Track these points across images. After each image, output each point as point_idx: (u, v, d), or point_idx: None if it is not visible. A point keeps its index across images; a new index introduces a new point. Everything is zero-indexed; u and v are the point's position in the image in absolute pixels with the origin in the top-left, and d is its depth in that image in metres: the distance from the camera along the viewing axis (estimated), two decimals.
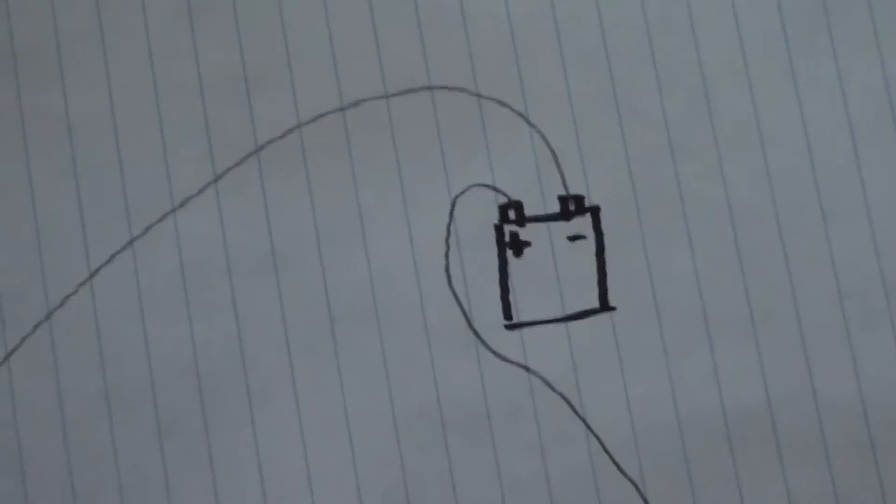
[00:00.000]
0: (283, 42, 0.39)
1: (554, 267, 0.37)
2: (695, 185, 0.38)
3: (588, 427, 0.36)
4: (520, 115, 0.38)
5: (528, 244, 0.37)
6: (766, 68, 0.39)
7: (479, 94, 0.38)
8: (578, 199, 0.37)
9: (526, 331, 0.37)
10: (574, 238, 0.37)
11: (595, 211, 0.37)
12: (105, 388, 0.36)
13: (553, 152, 0.38)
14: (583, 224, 0.37)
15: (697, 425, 0.37)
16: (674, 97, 0.38)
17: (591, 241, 0.37)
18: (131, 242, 0.37)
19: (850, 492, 0.36)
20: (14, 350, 0.36)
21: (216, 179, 0.37)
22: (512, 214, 0.37)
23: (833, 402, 0.37)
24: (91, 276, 0.37)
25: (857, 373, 0.37)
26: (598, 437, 0.36)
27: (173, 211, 0.37)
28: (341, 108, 0.37)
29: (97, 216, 0.37)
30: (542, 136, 0.38)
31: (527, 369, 0.37)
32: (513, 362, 0.37)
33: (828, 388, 0.37)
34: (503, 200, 0.37)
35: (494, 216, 0.37)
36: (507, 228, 0.37)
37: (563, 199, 0.37)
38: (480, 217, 0.37)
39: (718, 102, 0.39)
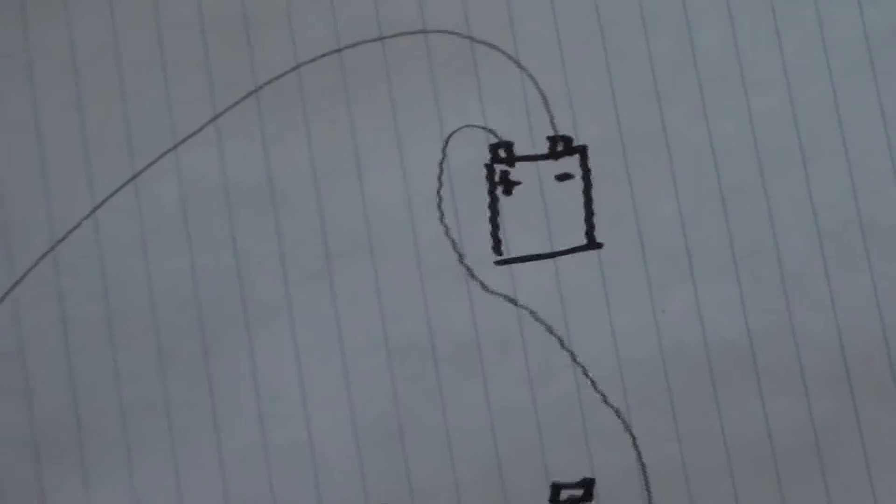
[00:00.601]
0: None
1: (543, 205, 0.37)
2: (679, 127, 0.38)
3: (574, 359, 0.36)
4: (510, 58, 0.38)
5: (517, 183, 0.37)
6: (750, 13, 0.39)
7: (471, 38, 0.38)
8: (567, 139, 0.37)
9: (515, 266, 0.37)
10: (562, 177, 0.37)
11: (583, 151, 0.37)
12: (108, 317, 0.36)
13: (543, 94, 0.37)
14: (571, 164, 0.37)
15: (680, 358, 0.37)
16: (659, 41, 0.38)
17: (578, 181, 0.37)
18: (134, 177, 0.36)
19: (826, 422, 0.36)
20: (19, 281, 0.36)
21: (216, 117, 0.37)
22: (502, 154, 0.37)
23: (811, 336, 0.37)
24: (95, 209, 0.36)
25: (834, 308, 0.37)
26: (584, 369, 0.36)
27: (175, 147, 0.37)
28: (338, 50, 0.37)
29: (101, 151, 0.37)
30: (532, 79, 0.37)
31: (516, 303, 0.37)
32: (502, 296, 0.37)
33: (806, 322, 0.37)
34: (494, 140, 0.37)
35: (486, 156, 0.37)
36: (498, 167, 0.37)
37: (552, 140, 0.37)
38: (472, 156, 0.37)
39: (702, 46, 0.38)
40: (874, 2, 0.39)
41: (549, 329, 0.36)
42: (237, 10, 0.38)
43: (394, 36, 0.38)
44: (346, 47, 0.37)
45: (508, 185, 0.37)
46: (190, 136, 0.37)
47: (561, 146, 0.37)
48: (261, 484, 0.35)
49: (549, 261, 0.37)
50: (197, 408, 0.36)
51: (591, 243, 0.37)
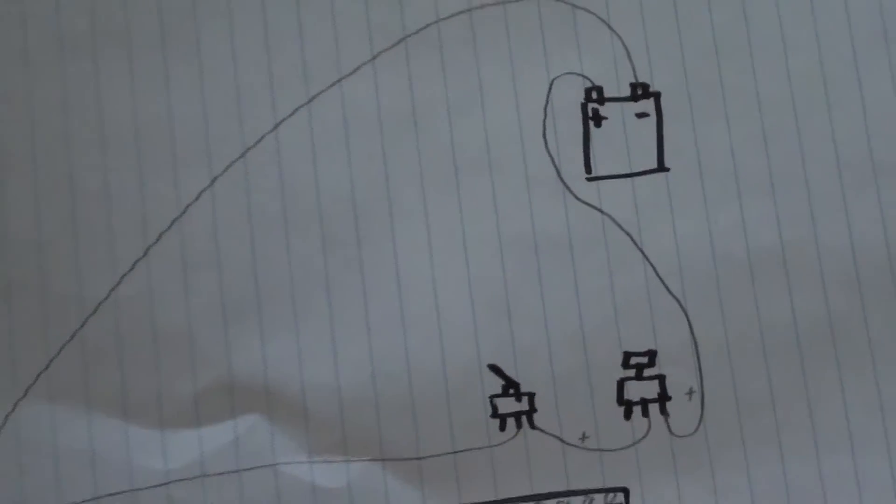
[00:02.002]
0: None
1: (624, 136, 0.39)
2: (732, 78, 0.39)
3: (645, 256, 0.38)
4: (602, 20, 0.39)
5: (605, 118, 0.39)
6: None
7: (573, 4, 0.39)
8: (645, 86, 0.39)
9: (601, 182, 0.39)
10: (640, 115, 0.39)
11: (657, 96, 0.39)
12: (284, 210, 0.38)
13: (627, 50, 0.39)
14: (647, 105, 0.39)
15: (727, 259, 0.38)
16: (719, 10, 0.39)
17: (652, 118, 0.39)
18: (308, 102, 0.38)
19: (840, 314, 0.38)
20: (217, 178, 0.38)
21: (373, 58, 0.39)
22: (594, 95, 0.39)
23: (830, 246, 0.38)
24: (276, 125, 0.38)
25: (849, 225, 0.38)
26: (652, 265, 0.38)
27: (340, 80, 0.39)
28: (469, 10, 0.39)
29: (283, 81, 0.38)
30: (619, 37, 0.39)
31: (601, 211, 0.38)
32: (590, 205, 0.38)
33: (826, 235, 0.38)
34: (588, 84, 0.39)
35: (581, 96, 0.39)
36: (591, 106, 0.39)
37: (633, 86, 0.39)
38: (571, 96, 0.39)
39: (752, 15, 0.39)
40: None
41: (626, 232, 0.38)
42: None
43: (513, 1, 0.39)
44: (475, 8, 0.39)
45: (598, 119, 0.39)
46: (352, 73, 0.39)
47: (640, 91, 0.39)
48: (398, 345, 0.37)
49: (628, 179, 0.39)
50: (350, 284, 0.38)
51: (661, 167, 0.39)
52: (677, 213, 0.38)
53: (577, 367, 0.38)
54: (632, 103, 0.39)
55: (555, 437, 0.37)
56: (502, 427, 0.37)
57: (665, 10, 0.40)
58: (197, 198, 0.38)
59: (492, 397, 0.37)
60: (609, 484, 0.37)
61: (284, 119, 0.38)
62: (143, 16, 0.39)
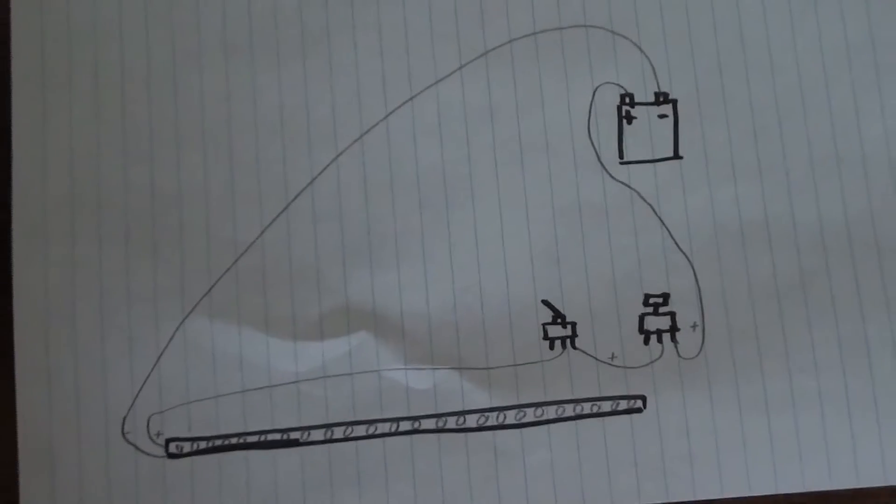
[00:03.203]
0: None
1: (649, 131, 0.41)
2: (731, 89, 0.41)
3: (662, 222, 0.40)
4: (636, 44, 0.41)
5: (635, 118, 0.41)
6: (777, 17, 0.41)
7: (612, 31, 0.41)
8: (665, 94, 0.41)
9: (631, 166, 0.41)
10: (661, 116, 0.41)
11: (674, 102, 0.41)
12: (391, 180, 0.40)
13: (653, 67, 0.41)
14: (667, 109, 0.41)
15: (724, 226, 0.40)
16: (723, 37, 0.41)
17: (671, 118, 0.41)
18: (411, 98, 0.40)
19: (809, 271, 0.39)
20: (339, 154, 0.40)
21: (461, 67, 0.41)
22: (627, 100, 0.41)
23: (803, 220, 0.40)
24: (387, 115, 0.40)
25: (818, 204, 0.40)
26: (668, 229, 0.40)
27: (436, 83, 0.40)
28: (534, 34, 0.41)
29: (394, 82, 0.40)
30: (648, 58, 0.41)
31: (630, 188, 0.40)
32: (622, 183, 0.40)
33: (801, 211, 0.40)
34: (623, 92, 0.41)
35: (617, 100, 0.41)
36: (624, 108, 0.41)
37: (657, 94, 0.41)
38: (609, 101, 0.41)
39: (748, 39, 0.40)
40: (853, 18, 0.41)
41: (648, 204, 0.40)
42: (477, 6, 0.41)
43: (567, 27, 0.41)
44: (539, 32, 0.41)
45: (630, 118, 0.41)
46: (445, 77, 0.41)
47: (662, 98, 0.41)
48: (474, 283, 0.39)
49: (651, 164, 0.40)
50: (439, 236, 0.40)
51: (676, 155, 0.40)
52: (688, 190, 0.40)
53: (609, 303, 0.40)
54: (655, 107, 0.41)
55: (591, 356, 0.40)
56: (551, 347, 0.40)
57: (682, 36, 0.41)
58: (325, 167, 0.40)
59: (544, 324, 0.40)
60: (631, 393, 0.40)
61: (393, 111, 0.41)
62: (289, 28, 0.41)
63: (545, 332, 0.40)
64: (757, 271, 0.40)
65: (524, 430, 0.39)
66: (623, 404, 0.40)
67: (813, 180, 0.40)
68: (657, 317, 0.40)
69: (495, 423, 0.39)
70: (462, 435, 0.39)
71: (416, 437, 0.39)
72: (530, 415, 0.40)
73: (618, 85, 0.41)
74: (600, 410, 0.39)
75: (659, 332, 0.40)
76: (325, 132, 0.41)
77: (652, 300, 0.40)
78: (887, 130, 0.41)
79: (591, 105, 0.41)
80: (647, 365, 0.40)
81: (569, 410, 0.39)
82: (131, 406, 0.39)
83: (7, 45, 0.41)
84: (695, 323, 0.40)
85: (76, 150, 0.41)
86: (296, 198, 0.40)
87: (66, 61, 0.41)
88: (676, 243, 0.40)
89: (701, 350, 0.40)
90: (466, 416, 0.39)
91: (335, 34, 0.41)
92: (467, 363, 0.39)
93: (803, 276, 0.40)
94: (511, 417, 0.39)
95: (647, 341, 0.40)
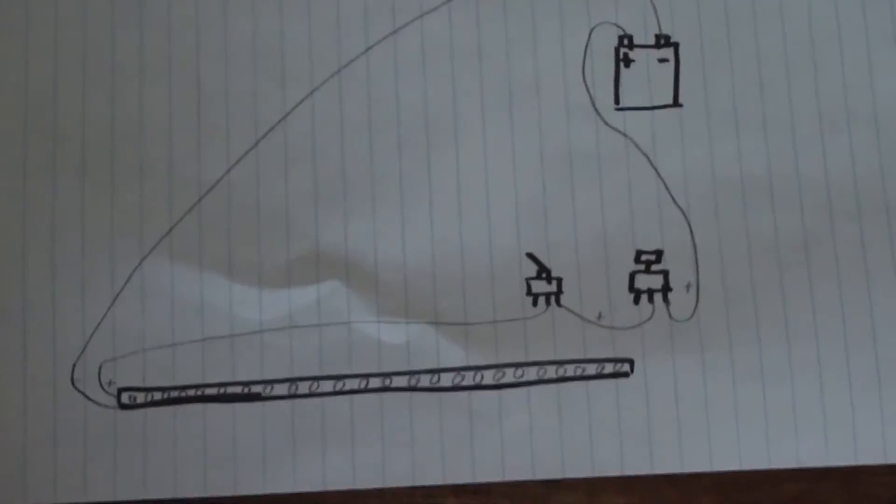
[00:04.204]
0: None
1: (647, 76, 0.39)
2: (738, 36, 0.39)
3: (658, 174, 0.39)
4: None
5: (633, 61, 0.39)
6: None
7: None
8: (667, 37, 0.39)
9: (627, 112, 0.39)
10: (662, 60, 0.39)
11: (676, 46, 0.39)
12: (370, 122, 0.38)
13: (654, 7, 0.40)
14: (668, 53, 0.39)
15: (724, 181, 0.38)
16: None
17: (671, 63, 0.39)
18: (394, 32, 0.39)
19: (814, 230, 0.38)
20: (314, 91, 0.38)
21: (449, 0, 0.39)
22: (626, 42, 0.39)
23: (809, 177, 0.38)
24: (367, 49, 0.39)
25: (825, 162, 0.38)
26: (663, 180, 0.39)
27: (421, 16, 0.39)
28: None
29: (375, 11, 0.39)
30: None
31: (625, 135, 0.39)
32: (617, 130, 0.39)
33: (806, 168, 0.38)
34: (621, 33, 0.39)
35: (615, 42, 0.39)
36: (622, 50, 0.39)
37: (658, 37, 0.39)
38: (607, 42, 0.39)
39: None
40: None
41: (644, 154, 0.39)
42: None
43: None
44: None
45: (627, 61, 0.39)
46: (431, 11, 0.39)
47: (663, 41, 0.39)
48: (454, 231, 0.38)
49: (648, 111, 0.39)
50: (419, 180, 0.38)
51: (676, 103, 0.39)
52: (687, 141, 0.39)
53: (598, 259, 0.38)
54: (655, 50, 0.39)
55: (577, 314, 0.38)
56: (534, 304, 0.38)
57: None
58: (299, 103, 0.39)
59: (528, 279, 0.38)
60: (618, 356, 0.38)
61: (374, 45, 0.39)
62: None
63: (529, 287, 0.38)
64: (757, 230, 0.38)
65: (502, 391, 0.38)
66: (609, 367, 0.38)
67: (820, 136, 0.39)
68: (649, 275, 0.38)
69: (471, 383, 0.38)
70: (436, 395, 0.38)
71: (386, 395, 0.37)
72: (509, 375, 0.38)
73: (616, 25, 0.39)
74: (584, 373, 0.38)
75: (650, 292, 0.38)
76: (301, 65, 0.39)
77: (644, 257, 0.38)
78: None
79: (586, 46, 0.39)
80: (636, 326, 0.38)
81: (551, 372, 0.38)
82: (82, 352, 0.37)
83: None
84: (689, 283, 0.38)
85: (31, 76, 0.39)
86: (266, 135, 0.39)
87: None
88: (672, 197, 0.39)
89: (694, 312, 0.38)
90: (441, 375, 0.38)
91: None
92: (444, 318, 0.38)
93: (806, 237, 0.38)
94: (489, 378, 0.38)
95: (637, 301, 0.38)
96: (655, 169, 0.39)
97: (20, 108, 0.38)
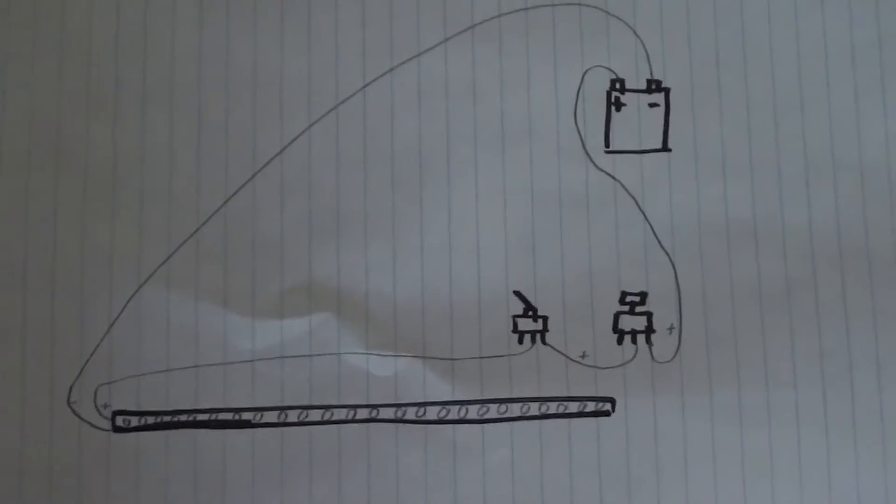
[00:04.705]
0: None
1: (638, 120, 0.39)
2: (728, 82, 0.39)
3: (645, 217, 0.38)
4: (630, 27, 0.39)
5: (624, 105, 0.39)
6: (764, 18, 0.40)
7: (606, 12, 0.39)
8: (658, 82, 0.39)
9: (616, 155, 0.39)
10: (652, 105, 0.39)
11: (667, 91, 0.39)
12: (364, 158, 0.38)
13: (647, 52, 0.39)
14: (658, 98, 0.39)
15: (709, 224, 0.38)
16: (722, 30, 0.39)
17: (662, 108, 0.39)
18: (391, 70, 0.39)
19: (796, 278, 0.38)
20: (313, 124, 0.38)
21: (446, 40, 0.39)
22: (618, 86, 0.39)
23: (793, 224, 0.38)
24: (364, 86, 0.38)
25: (810, 209, 0.38)
26: (650, 224, 0.38)
27: (418, 55, 0.39)
28: (525, 9, 0.39)
29: (373, 49, 0.39)
30: (642, 42, 0.39)
31: (614, 178, 0.38)
32: (606, 173, 0.39)
33: (791, 215, 0.38)
34: (613, 77, 0.39)
35: (607, 86, 0.39)
36: (614, 94, 0.39)
37: (649, 82, 0.39)
38: (599, 85, 0.39)
39: (748, 35, 0.39)
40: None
41: (632, 196, 0.38)
42: None
43: (560, 5, 0.39)
44: (530, 8, 0.39)
45: (619, 105, 0.39)
46: (428, 50, 0.39)
47: (654, 86, 0.39)
48: (444, 268, 0.38)
49: (637, 155, 0.39)
50: (411, 216, 0.38)
51: (665, 147, 0.39)
52: (674, 185, 0.39)
53: (584, 299, 0.38)
54: (646, 95, 0.39)
55: (561, 353, 0.38)
56: (520, 341, 0.38)
57: (680, 23, 0.40)
58: (297, 137, 0.38)
59: (514, 316, 0.38)
60: (600, 394, 0.38)
61: (371, 81, 0.39)
62: None
63: (515, 324, 0.38)
64: (740, 275, 0.38)
65: (486, 426, 0.38)
66: (591, 406, 0.38)
67: (806, 183, 0.39)
68: (633, 316, 0.38)
69: (456, 417, 0.38)
70: (421, 427, 0.38)
71: (373, 425, 0.38)
72: (493, 411, 0.38)
73: (609, 69, 0.39)
74: (567, 411, 0.38)
75: (634, 333, 0.38)
76: (299, 100, 0.39)
77: (629, 298, 0.38)
78: (888, 135, 0.39)
79: (579, 89, 0.39)
80: (618, 366, 0.38)
81: (534, 409, 0.38)
82: (79, 375, 0.37)
83: None
84: (672, 325, 0.38)
85: (36, 101, 0.39)
86: (264, 167, 0.38)
87: (32, 8, 0.39)
88: (658, 240, 0.39)
89: (676, 354, 0.38)
90: (427, 408, 0.38)
91: None
92: (431, 352, 0.38)
93: (789, 283, 0.38)
94: (473, 412, 0.38)
95: (620, 341, 0.38)
96: (643, 212, 0.39)
97: (24, 132, 0.38)
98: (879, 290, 0.38)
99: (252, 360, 0.38)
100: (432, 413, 0.38)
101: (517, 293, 0.38)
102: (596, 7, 0.40)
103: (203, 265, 0.38)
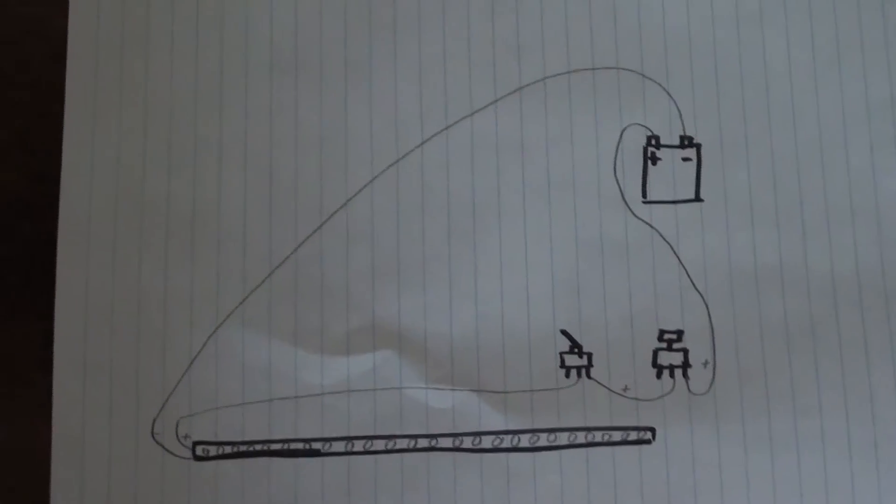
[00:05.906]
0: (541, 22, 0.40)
1: (672, 173, 0.40)
2: (754, 137, 0.39)
3: (680, 261, 0.39)
4: (664, 88, 0.40)
5: (660, 159, 0.40)
6: (799, 75, 0.40)
7: (643, 75, 0.40)
8: (689, 138, 0.40)
9: (653, 205, 0.40)
10: (685, 159, 0.40)
11: (698, 146, 0.40)
12: (422, 205, 0.39)
13: (679, 111, 0.40)
14: (691, 152, 0.40)
15: (740, 269, 0.39)
16: (748, 90, 0.40)
17: (694, 162, 0.40)
18: (446, 128, 0.39)
19: (819, 316, 0.39)
20: (375, 178, 0.39)
21: (496, 101, 0.40)
22: (653, 142, 0.40)
23: (816, 267, 0.39)
24: (422, 143, 0.39)
25: (831, 253, 0.39)
26: (685, 267, 0.39)
27: (471, 115, 0.39)
28: (568, 72, 0.40)
29: (430, 109, 0.39)
30: (675, 102, 0.40)
31: (651, 226, 0.39)
32: (644, 221, 0.39)
33: (814, 259, 0.39)
34: (649, 133, 0.40)
35: (644, 142, 0.40)
36: (650, 149, 0.40)
37: (682, 138, 0.40)
38: (636, 141, 0.40)
39: (771, 92, 0.40)
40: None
41: (668, 243, 0.39)
42: (514, 43, 0.40)
43: (600, 69, 0.40)
44: (572, 71, 0.40)
45: (654, 159, 0.40)
46: (480, 110, 0.40)
47: (687, 142, 0.40)
48: (496, 309, 0.39)
49: (672, 205, 0.39)
50: (465, 262, 0.39)
51: (697, 198, 0.40)
52: (706, 232, 0.40)
53: (625, 337, 0.39)
54: (680, 150, 0.40)
55: (605, 386, 0.39)
56: (567, 375, 0.39)
57: (709, 84, 0.40)
58: (360, 190, 0.39)
59: (561, 353, 0.39)
60: (642, 424, 0.39)
61: (428, 139, 0.40)
62: (333, 52, 0.40)
63: (562, 360, 0.39)
64: (769, 314, 0.39)
65: (537, 453, 0.39)
66: (633, 435, 0.39)
67: (827, 230, 0.40)
68: (670, 352, 0.39)
69: (509, 446, 0.39)
70: (477, 455, 0.39)
71: (432, 454, 0.39)
72: (543, 440, 0.39)
73: (645, 127, 0.40)
74: (611, 440, 0.39)
75: (671, 368, 0.39)
76: (362, 156, 0.40)
77: (666, 336, 0.39)
78: None
79: (618, 145, 0.40)
80: (658, 398, 0.39)
81: (581, 438, 0.38)
82: (162, 408, 0.39)
83: (64, 56, 0.41)
84: (706, 360, 0.39)
85: (123, 158, 0.40)
86: (330, 217, 0.39)
87: (117, 74, 0.40)
88: (693, 282, 0.39)
89: (711, 387, 0.39)
90: (482, 437, 0.39)
91: (377, 62, 0.40)
92: (486, 386, 0.39)
93: (813, 321, 0.39)
94: (525, 441, 0.39)
95: (659, 375, 0.39)
96: (678, 257, 0.40)
97: (111, 184, 0.39)
98: None
99: (321, 394, 0.39)
100: (487, 442, 0.39)
101: (564, 332, 0.39)
102: (632, 70, 0.40)
103: (275, 307, 0.39)
